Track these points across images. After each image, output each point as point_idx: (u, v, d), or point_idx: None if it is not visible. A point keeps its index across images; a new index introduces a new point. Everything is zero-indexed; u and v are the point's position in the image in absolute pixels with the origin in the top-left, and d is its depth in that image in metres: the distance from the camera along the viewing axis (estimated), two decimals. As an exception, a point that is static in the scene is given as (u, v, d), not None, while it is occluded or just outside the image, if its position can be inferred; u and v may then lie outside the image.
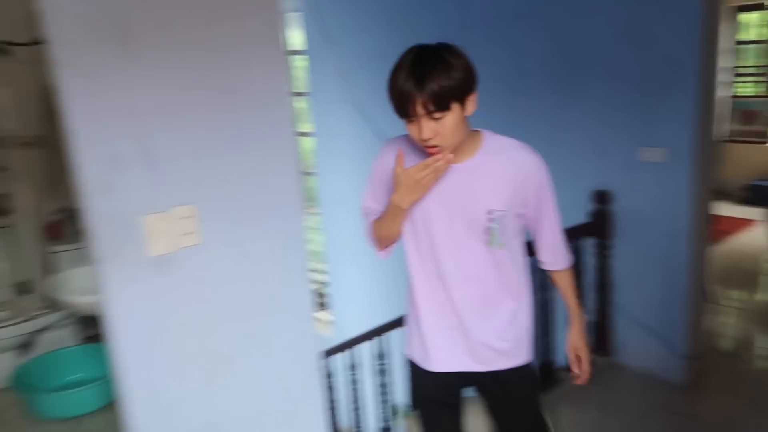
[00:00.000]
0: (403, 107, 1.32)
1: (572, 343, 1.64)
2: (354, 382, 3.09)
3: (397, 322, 2.83)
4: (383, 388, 3.00)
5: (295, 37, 3.94)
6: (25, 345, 3.10)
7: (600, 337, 2.95)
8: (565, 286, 1.64)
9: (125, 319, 1.50)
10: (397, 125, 3.76)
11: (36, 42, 3.07)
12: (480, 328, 1.55)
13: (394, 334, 2.88)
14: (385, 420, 3.08)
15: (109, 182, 1.40)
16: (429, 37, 3.59)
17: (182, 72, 1.48)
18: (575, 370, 1.65)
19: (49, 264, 3.16)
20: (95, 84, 1.34)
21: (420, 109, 1.29)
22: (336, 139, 4.07)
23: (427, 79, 1.27)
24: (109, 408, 2.79)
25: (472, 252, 1.49)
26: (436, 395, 1.73)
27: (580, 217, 2.86)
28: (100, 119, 1.36)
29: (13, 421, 2.74)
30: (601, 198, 2.83)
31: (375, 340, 2.93)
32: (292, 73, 1.57)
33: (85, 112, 1.35)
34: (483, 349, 1.57)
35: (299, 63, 4.05)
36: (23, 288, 3.42)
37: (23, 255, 3.42)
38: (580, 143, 2.90)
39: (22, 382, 2.78)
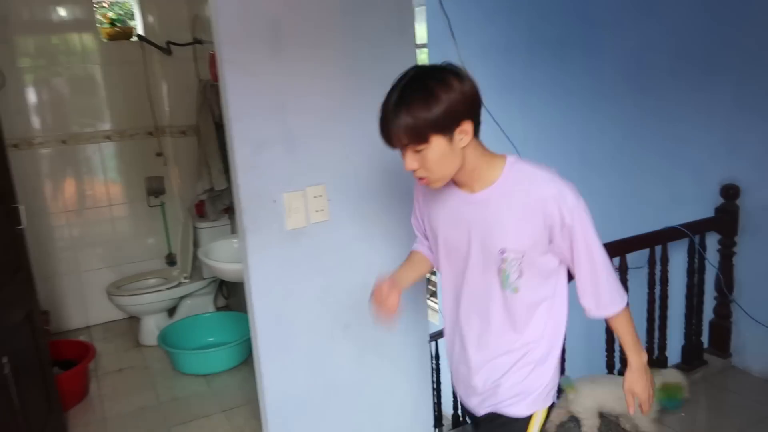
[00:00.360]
0: (384, 137, 1.21)
1: (629, 386, 1.40)
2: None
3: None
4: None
5: (418, 30, 4.08)
6: (171, 309, 3.55)
7: (718, 337, 2.82)
8: (620, 332, 1.39)
9: (263, 283, 1.74)
10: (516, 118, 3.79)
11: (193, 42, 3.49)
12: (477, 367, 1.41)
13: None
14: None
15: (256, 163, 1.63)
16: (552, 30, 3.57)
17: (320, 66, 1.68)
18: (631, 411, 1.42)
19: (195, 238, 3.58)
20: (249, 77, 1.57)
21: (397, 142, 1.19)
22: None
23: (403, 110, 1.15)
24: (238, 368, 3.14)
25: (481, 288, 1.34)
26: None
27: (704, 211, 2.73)
28: (251, 108, 1.59)
29: (160, 373, 3.17)
30: (728, 193, 2.69)
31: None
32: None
33: (240, 101, 1.58)
34: (473, 390, 1.44)
35: (421, 56, 4.19)
36: (172, 259, 3.90)
37: (172, 231, 3.90)
38: (708, 135, 2.77)
39: (168, 341, 3.19)
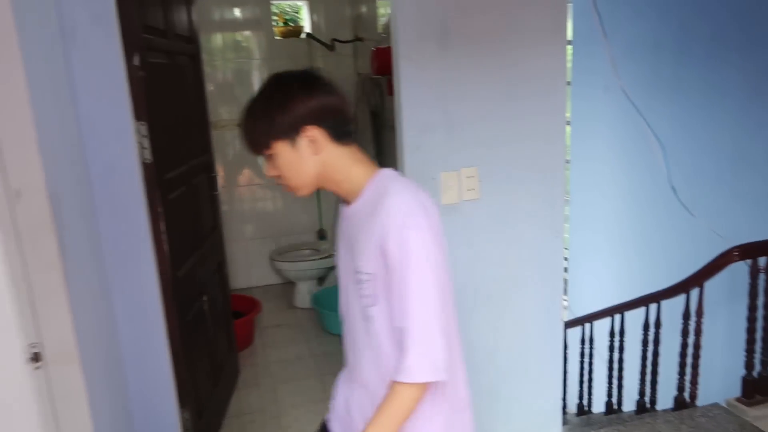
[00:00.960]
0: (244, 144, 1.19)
1: None
2: (588, 355, 3.26)
3: (634, 303, 2.93)
4: (614, 365, 3.12)
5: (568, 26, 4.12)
6: (321, 278, 3.98)
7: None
8: (385, 409, 1.08)
9: (416, 250, 1.99)
10: (662, 116, 3.76)
11: (354, 40, 3.86)
12: (344, 402, 1.29)
13: (629, 314, 2.99)
14: (611, 396, 3.19)
15: (420, 144, 1.88)
16: (705, 27, 3.52)
17: (480, 61, 1.89)
18: None
19: (343, 216, 3.96)
20: (421, 71, 1.82)
21: (249, 148, 1.17)
22: (595, 126, 4.16)
23: (246, 117, 1.14)
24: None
25: (351, 313, 1.21)
26: None
27: None
28: (419, 96, 1.84)
29: (311, 330, 3.60)
30: None
31: (612, 318, 3.07)
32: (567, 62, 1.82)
33: (410, 91, 1.84)
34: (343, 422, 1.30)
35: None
36: (323, 234, 4.35)
37: (325, 208, 4.34)
38: None
39: (319, 304, 3.61)
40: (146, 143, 1.85)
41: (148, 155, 1.86)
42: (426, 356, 1.06)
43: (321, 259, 3.87)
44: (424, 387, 1.08)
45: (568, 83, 4.40)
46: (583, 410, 3.40)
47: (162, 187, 1.95)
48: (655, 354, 2.83)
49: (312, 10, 4.08)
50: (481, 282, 2.07)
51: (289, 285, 4.15)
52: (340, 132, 1.15)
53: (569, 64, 4.18)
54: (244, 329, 3.33)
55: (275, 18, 4.12)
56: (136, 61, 1.78)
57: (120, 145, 1.82)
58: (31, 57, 1.37)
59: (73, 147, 1.71)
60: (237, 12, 3.97)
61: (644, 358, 2.88)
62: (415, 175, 1.90)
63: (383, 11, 3.31)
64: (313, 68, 1.17)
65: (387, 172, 1.18)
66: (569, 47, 4.24)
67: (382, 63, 2.92)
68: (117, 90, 1.78)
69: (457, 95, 1.89)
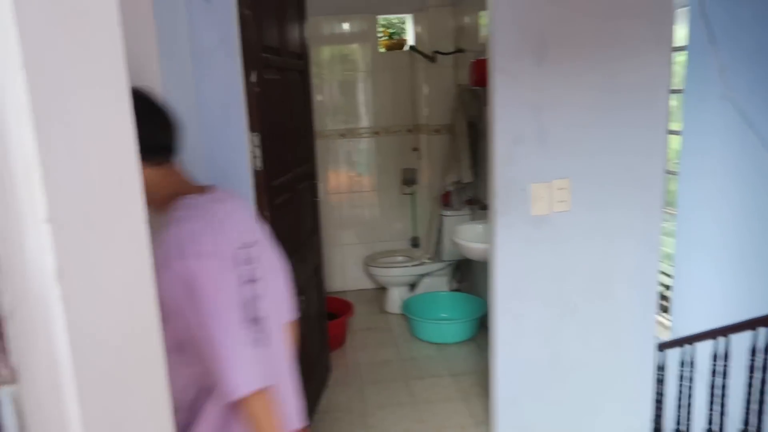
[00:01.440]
0: None
1: None
2: (688, 379, 3.10)
3: (740, 326, 2.76)
4: (717, 390, 2.94)
5: (679, 32, 3.95)
6: (412, 284, 4.07)
7: None
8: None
9: (506, 261, 2.04)
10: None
11: (455, 51, 3.95)
12: None
13: (736, 337, 2.81)
14: (711, 422, 3.01)
15: (512, 156, 1.93)
16: None
17: (576, 72, 1.91)
18: None
19: (438, 225, 4.05)
20: (516, 83, 1.87)
21: None
22: (707, 139, 3.94)
23: None
24: (466, 342, 3.51)
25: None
26: None
27: None
28: (513, 108, 1.89)
29: (400, 336, 3.70)
30: None
31: (716, 341, 2.90)
32: (671, 71, 1.77)
33: (505, 103, 1.89)
34: None
35: (679, 59, 4.04)
36: (416, 242, 4.45)
37: (419, 216, 4.45)
38: None
39: (409, 311, 3.70)
40: (258, 152, 2.04)
41: (259, 163, 2.05)
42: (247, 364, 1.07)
43: (413, 266, 3.97)
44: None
45: (677, 92, 4.23)
46: (681, 438, 3.22)
47: (270, 192, 2.13)
48: (763, 381, 2.65)
49: (416, 22, 4.22)
50: (569, 293, 2.07)
51: (381, 290, 4.29)
52: (163, 150, 1.14)
53: (684, 72, 4.01)
54: (337, 330, 3.49)
55: (380, 31, 4.30)
56: (254, 78, 1.97)
57: (235, 154, 2.02)
58: (168, 76, 1.58)
59: (193, 156, 1.92)
60: (345, 26, 4.19)
61: (750, 385, 2.70)
62: (506, 185, 1.95)
63: (484, 22, 3.36)
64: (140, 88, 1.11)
65: (193, 194, 1.15)
66: (684, 55, 4.06)
67: (481, 74, 2.98)
68: (235, 104, 1.98)
69: (551, 107, 1.92)
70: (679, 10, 3.95)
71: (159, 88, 1.50)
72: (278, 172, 2.27)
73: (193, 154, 1.91)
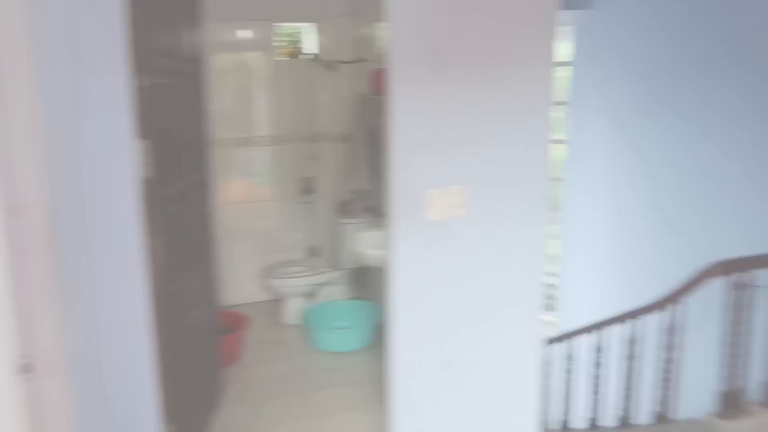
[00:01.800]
0: None
1: None
2: (570, 371, 3.32)
3: (615, 320, 3.02)
4: (596, 380, 3.18)
5: (564, 49, 4.23)
6: (310, 294, 4.02)
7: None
8: None
9: (403, 266, 2.06)
10: (656, 137, 3.87)
11: (355, 60, 3.97)
12: None
13: (613, 330, 3.06)
14: (593, 411, 3.25)
15: (410, 163, 1.96)
16: (701, 47, 3.65)
17: (469, 83, 1.98)
18: None
19: (336, 234, 4.03)
20: (414, 92, 1.91)
21: None
22: (588, 148, 4.26)
23: None
24: (364, 350, 3.51)
25: None
26: None
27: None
28: (412, 117, 1.93)
29: (298, 347, 3.63)
30: None
31: (592, 334, 3.15)
32: (554, 84, 1.91)
33: (404, 111, 1.92)
34: None
35: (563, 73, 4.33)
36: (313, 251, 4.40)
37: (317, 225, 4.40)
38: None
39: (307, 321, 3.65)
40: (147, 160, 1.91)
41: (147, 172, 1.92)
42: None
43: (312, 276, 3.91)
44: None
45: (561, 103, 4.54)
46: (566, 426, 3.44)
47: (159, 202, 2.00)
48: (635, 369, 2.90)
49: (316, 32, 4.19)
50: (463, 296, 2.14)
51: (278, 302, 4.18)
52: None
53: (568, 85, 4.31)
54: (231, 345, 3.36)
55: (280, 39, 4.23)
56: (143, 82, 1.85)
57: (119, 161, 1.87)
58: (42, 71, 1.44)
59: (73, 163, 1.76)
60: (242, 33, 4.08)
61: (628, 373, 2.95)
62: (404, 192, 1.98)
63: (383, 33, 3.41)
64: None
65: None
66: (570, 68, 4.36)
67: (380, 83, 3.02)
68: (121, 109, 1.83)
69: (448, 115, 1.98)
70: (566, 28, 4.26)
71: (32, 91, 1.37)
72: (169, 181, 2.14)
73: (72, 162, 1.76)
